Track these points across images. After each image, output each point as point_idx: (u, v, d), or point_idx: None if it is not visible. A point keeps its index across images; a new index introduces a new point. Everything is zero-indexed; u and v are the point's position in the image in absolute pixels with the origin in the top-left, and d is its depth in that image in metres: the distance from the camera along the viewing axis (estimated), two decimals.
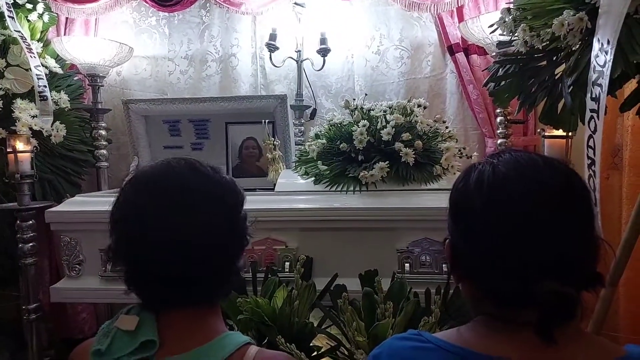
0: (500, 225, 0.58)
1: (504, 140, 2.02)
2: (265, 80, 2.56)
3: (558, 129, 1.30)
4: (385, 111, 1.86)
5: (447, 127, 1.90)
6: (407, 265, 1.60)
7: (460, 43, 2.30)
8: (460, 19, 2.27)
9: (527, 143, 2.14)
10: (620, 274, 1.21)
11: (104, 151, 2.39)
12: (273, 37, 2.31)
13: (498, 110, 2.04)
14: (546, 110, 1.18)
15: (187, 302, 0.70)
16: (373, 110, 1.88)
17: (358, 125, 1.78)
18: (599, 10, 1.00)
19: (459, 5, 2.21)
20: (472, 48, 2.28)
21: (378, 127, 1.78)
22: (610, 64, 0.95)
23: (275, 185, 1.85)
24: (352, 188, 1.71)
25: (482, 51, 2.25)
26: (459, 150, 1.80)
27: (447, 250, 0.66)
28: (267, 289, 1.47)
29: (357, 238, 1.66)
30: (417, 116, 1.80)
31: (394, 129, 1.74)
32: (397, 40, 2.48)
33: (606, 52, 0.96)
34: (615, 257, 1.22)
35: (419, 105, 1.87)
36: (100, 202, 1.84)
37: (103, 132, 2.38)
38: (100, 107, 2.37)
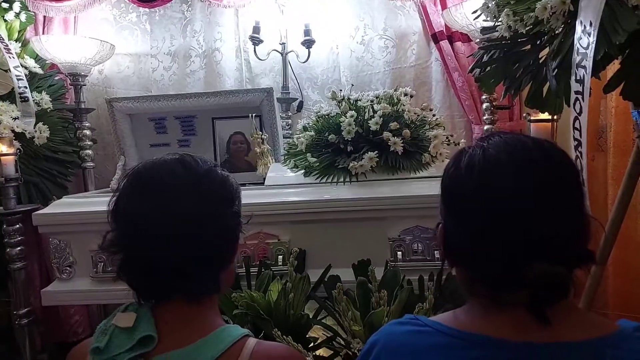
0: (492, 208, 0.58)
1: (491, 126, 2.03)
2: (251, 74, 2.54)
3: (544, 112, 1.32)
4: (372, 101, 1.86)
5: (434, 115, 1.90)
6: (399, 253, 1.61)
7: (444, 31, 2.31)
8: (444, 6, 2.27)
9: (513, 128, 2.17)
10: (608, 252, 1.24)
11: (89, 151, 2.36)
12: (257, 29, 2.29)
13: (484, 97, 2.06)
14: (531, 94, 1.19)
15: (181, 294, 0.70)
16: (360, 100, 1.88)
17: (346, 116, 1.78)
18: None
19: None
20: (456, 35, 2.28)
21: (366, 118, 1.78)
22: (594, 45, 0.96)
23: (264, 179, 1.84)
24: (342, 179, 1.71)
25: (466, 38, 2.26)
26: (447, 138, 1.81)
27: (439, 235, 0.67)
28: (261, 283, 1.47)
29: (349, 229, 1.66)
30: (403, 105, 1.80)
31: (381, 119, 1.74)
32: (381, 30, 2.47)
33: (589, 34, 0.97)
34: (603, 235, 1.24)
35: (406, 94, 1.87)
36: (88, 202, 1.82)
37: (87, 132, 2.35)
38: (83, 106, 2.33)
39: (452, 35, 2.30)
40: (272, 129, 2.09)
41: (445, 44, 2.30)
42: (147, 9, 2.53)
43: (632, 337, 0.58)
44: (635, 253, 1.70)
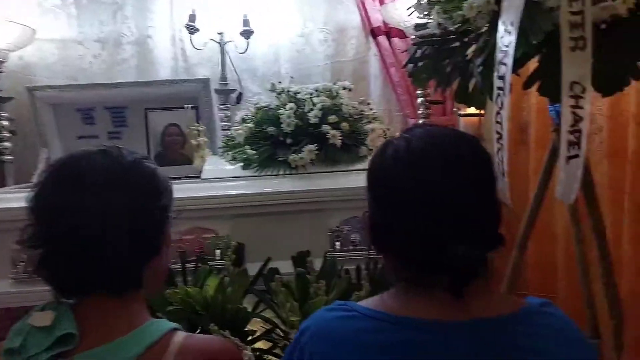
0: (414, 196, 0.61)
1: (425, 120, 2.11)
2: (187, 63, 2.45)
3: (470, 107, 1.39)
4: (311, 94, 1.87)
5: (371, 109, 1.95)
6: (337, 244, 1.64)
7: (382, 26, 2.36)
8: (382, 2, 2.32)
9: (445, 122, 2.26)
10: (526, 239, 1.33)
11: (7, 144, 2.17)
12: (192, 18, 2.22)
13: (418, 92, 2.13)
14: (459, 89, 1.25)
15: (103, 289, 0.67)
16: (299, 93, 1.88)
17: (285, 109, 1.77)
18: None
19: None
20: (393, 31, 2.34)
21: (305, 110, 1.79)
22: (514, 44, 1.02)
23: (201, 172, 1.79)
24: (281, 172, 1.71)
25: (402, 34, 2.31)
26: (384, 131, 1.86)
27: (365, 223, 0.69)
28: (197, 279, 1.43)
29: (288, 221, 1.66)
30: (342, 98, 1.83)
31: (321, 112, 1.75)
32: (321, 24, 2.48)
33: (510, 33, 1.03)
34: (522, 224, 1.33)
35: (345, 88, 1.90)
36: (7, 198, 1.68)
37: (5, 123, 2.16)
38: (0, 95, 2.14)
39: (389, 31, 2.35)
40: (210, 120, 2.04)
41: (383, 39, 2.35)
42: None
43: (539, 312, 0.64)
44: (550, 242, 1.84)
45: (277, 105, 1.83)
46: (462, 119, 1.63)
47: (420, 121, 2.17)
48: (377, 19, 2.36)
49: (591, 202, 1.25)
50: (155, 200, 0.71)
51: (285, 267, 1.52)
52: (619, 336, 1.28)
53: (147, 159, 0.76)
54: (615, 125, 1.57)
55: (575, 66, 0.99)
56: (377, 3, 2.36)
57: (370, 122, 1.87)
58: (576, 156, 1.01)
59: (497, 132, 1.07)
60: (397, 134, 0.71)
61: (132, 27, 2.42)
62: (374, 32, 2.37)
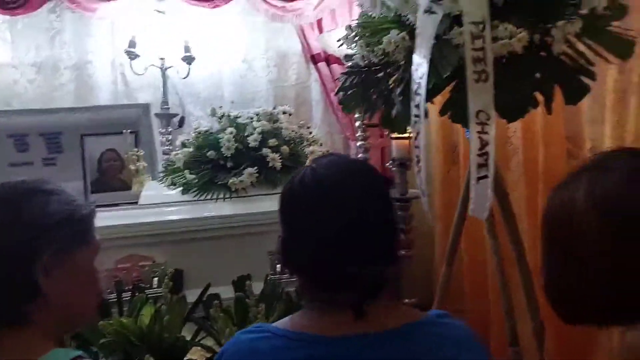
0: (315, 220, 0.67)
1: (363, 142, 2.21)
2: (128, 88, 2.43)
3: (394, 132, 1.48)
4: (252, 118, 1.92)
5: (310, 132, 2.01)
6: (278, 266, 1.67)
7: (322, 53, 2.45)
8: (321, 31, 2.42)
9: (382, 144, 2.37)
10: (453, 255, 1.42)
11: None
12: (132, 44, 2.22)
13: (357, 115, 2.22)
14: (384, 116, 1.33)
15: None
16: (240, 117, 1.92)
17: (225, 133, 1.80)
18: (416, 31, 1.17)
19: (318, 18, 2.36)
20: (332, 58, 2.44)
21: (245, 134, 1.83)
22: (426, 76, 1.11)
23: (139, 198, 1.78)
24: (221, 195, 1.73)
25: (341, 61, 2.42)
26: (323, 154, 1.92)
27: (278, 245, 0.73)
28: (133, 308, 1.41)
29: (229, 245, 1.68)
30: (281, 123, 1.88)
31: (260, 135, 1.80)
32: (264, 50, 2.55)
33: (422, 66, 1.13)
34: (450, 238, 1.42)
35: (284, 112, 1.96)
36: None
37: None
38: None
39: (329, 58, 2.45)
40: (150, 145, 2.03)
41: (322, 65, 2.45)
42: (7, 17, 2.30)
43: (435, 323, 0.70)
44: (481, 254, 1.95)
45: (218, 130, 1.86)
46: (394, 142, 1.73)
47: (359, 143, 2.26)
48: (316, 46, 2.45)
49: (507, 217, 1.36)
50: (49, 234, 0.69)
51: (227, 292, 1.52)
52: (541, 342, 1.38)
53: (49, 190, 0.73)
54: (529, 146, 1.71)
55: (480, 96, 1.09)
56: (317, 31, 2.46)
57: (310, 144, 1.93)
58: (485, 177, 1.10)
59: (417, 156, 1.15)
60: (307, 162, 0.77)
61: (70, 52, 2.39)
62: (314, 59, 2.46)
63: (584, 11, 1.14)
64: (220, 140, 1.77)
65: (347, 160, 0.75)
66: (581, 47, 1.20)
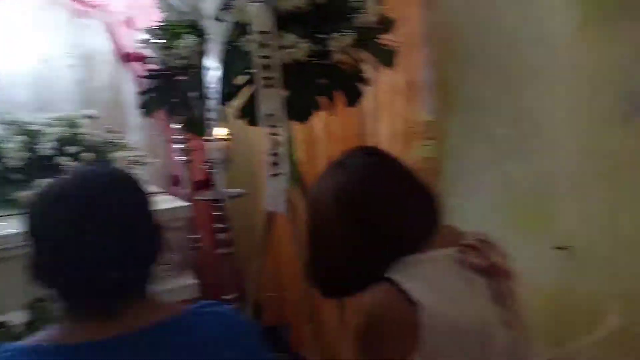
0: (60, 233, 0.65)
1: (183, 144, 2.17)
2: None
3: (198, 135, 1.50)
4: (49, 124, 1.72)
5: (120, 138, 1.90)
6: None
7: (136, 52, 2.32)
8: (133, 28, 2.29)
9: (200, 145, 2.35)
10: (263, 248, 1.50)
11: None
12: None
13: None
14: (187, 119, 1.35)
15: None
16: (33, 123, 1.71)
17: (13, 141, 1.59)
18: (208, 37, 1.20)
19: (127, 17, 2.23)
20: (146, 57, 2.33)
21: (39, 142, 1.63)
22: (219, 81, 1.16)
23: None
24: (10, 212, 1.52)
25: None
26: (136, 158, 1.83)
27: (25, 260, 0.69)
28: None
29: (20, 266, 1.48)
30: (83, 128, 1.74)
31: (57, 143, 1.63)
32: (69, 48, 2.30)
33: (215, 71, 1.17)
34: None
35: (88, 117, 1.81)
36: None
37: None
38: None
39: (142, 57, 2.33)
40: None
41: (137, 65, 2.32)
42: None
43: (200, 313, 0.72)
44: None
45: (2, 138, 1.63)
46: (209, 143, 1.74)
47: (182, 145, 2.21)
48: (129, 45, 2.31)
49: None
50: None
51: (19, 317, 1.35)
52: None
53: None
54: (332, 144, 1.91)
55: (269, 101, 1.18)
56: (129, 29, 2.32)
57: (119, 150, 1.82)
58: (279, 174, 1.20)
59: (213, 158, 1.19)
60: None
61: None
62: (126, 58, 2.32)
63: (357, 24, 1.33)
64: (3, 149, 1.54)
65: (99, 171, 0.74)
66: (362, 56, 1.39)
